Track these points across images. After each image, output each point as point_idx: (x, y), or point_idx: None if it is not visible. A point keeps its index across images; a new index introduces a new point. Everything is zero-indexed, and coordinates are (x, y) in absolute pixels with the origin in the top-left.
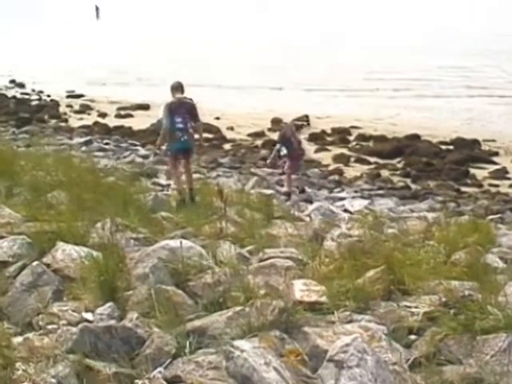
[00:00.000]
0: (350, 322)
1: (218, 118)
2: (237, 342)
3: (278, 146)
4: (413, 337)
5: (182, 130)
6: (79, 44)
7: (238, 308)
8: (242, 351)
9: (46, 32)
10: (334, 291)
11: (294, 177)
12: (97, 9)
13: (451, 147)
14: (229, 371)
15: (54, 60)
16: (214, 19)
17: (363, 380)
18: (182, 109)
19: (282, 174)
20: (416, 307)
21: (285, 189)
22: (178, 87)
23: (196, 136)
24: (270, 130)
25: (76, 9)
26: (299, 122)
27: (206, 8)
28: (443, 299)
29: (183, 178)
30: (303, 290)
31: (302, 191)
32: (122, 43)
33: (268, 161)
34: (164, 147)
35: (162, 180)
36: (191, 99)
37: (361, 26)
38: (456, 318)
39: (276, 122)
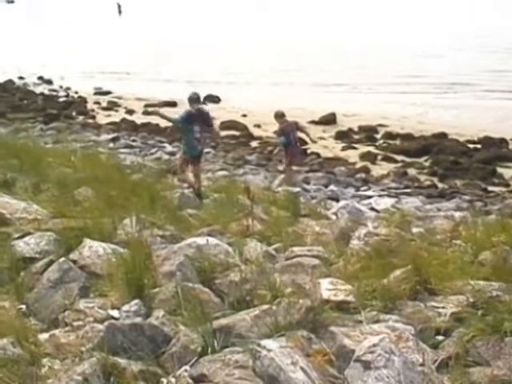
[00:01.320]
0: (377, 321)
1: (244, 116)
2: (264, 342)
3: (280, 138)
4: (440, 337)
5: (199, 139)
6: (103, 41)
7: (265, 307)
8: (269, 351)
9: (71, 29)
10: (361, 290)
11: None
12: (119, 6)
13: (479, 146)
14: (255, 371)
15: (79, 57)
16: (231, 17)
17: (390, 381)
18: (200, 119)
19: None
20: (443, 307)
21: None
22: (195, 99)
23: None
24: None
25: (98, 6)
26: (302, 124)
27: (219, 6)
28: (471, 300)
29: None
30: (330, 288)
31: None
32: (145, 39)
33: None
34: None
35: (190, 177)
36: (205, 109)
37: (381, 24)
38: (484, 319)
39: (279, 116)
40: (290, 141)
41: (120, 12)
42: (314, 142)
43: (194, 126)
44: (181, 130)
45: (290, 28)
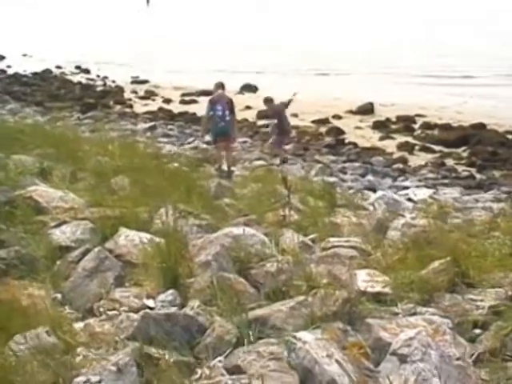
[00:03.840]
0: (414, 314)
1: None
2: (299, 334)
3: (273, 121)
4: (477, 331)
5: (221, 116)
6: (135, 31)
7: (301, 298)
8: (304, 343)
9: (102, 20)
10: (398, 282)
11: (277, 149)
12: None
13: None
14: (290, 363)
15: (114, 46)
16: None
17: (427, 375)
18: (222, 100)
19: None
20: (481, 300)
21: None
22: (220, 85)
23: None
24: (334, 117)
25: None
26: (288, 98)
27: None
28: (509, 293)
29: (223, 155)
30: (367, 280)
31: (284, 162)
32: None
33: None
34: (208, 137)
35: (226, 166)
36: (228, 95)
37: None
38: None
39: (268, 101)
40: (282, 120)
41: (148, 2)
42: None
43: (216, 105)
44: (208, 114)
45: (319, 22)
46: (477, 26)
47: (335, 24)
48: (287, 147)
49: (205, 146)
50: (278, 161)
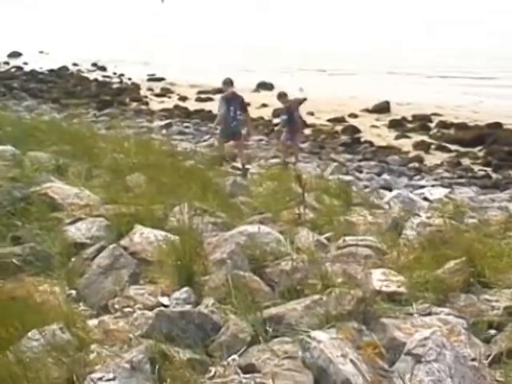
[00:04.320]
0: (429, 314)
1: None
2: (314, 333)
3: (283, 117)
4: (493, 332)
5: (233, 116)
6: (149, 29)
7: (316, 297)
8: (319, 342)
9: (117, 17)
10: (413, 282)
11: (289, 144)
12: None
13: None
14: (304, 362)
15: (130, 44)
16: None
17: (441, 375)
18: (236, 100)
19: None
20: (496, 301)
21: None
22: (229, 82)
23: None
24: (350, 115)
25: None
26: (301, 98)
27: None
28: None
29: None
30: (382, 279)
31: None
32: (190, 28)
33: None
34: (217, 131)
35: (240, 164)
36: (239, 94)
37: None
38: None
39: (282, 96)
40: (292, 118)
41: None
42: None
43: (230, 105)
44: (223, 113)
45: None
46: (490, 26)
47: (345, 23)
48: (302, 145)
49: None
50: (293, 159)
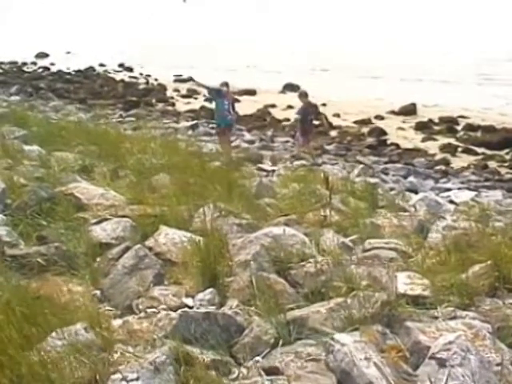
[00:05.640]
0: (454, 318)
1: (324, 105)
2: (337, 336)
3: (297, 116)
4: None
5: (228, 110)
6: (174, 29)
7: (340, 299)
8: (343, 345)
9: (142, 17)
10: (438, 285)
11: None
12: None
13: None
14: (328, 365)
15: (157, 45)
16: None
17: (465, 380)
18: (229, 96)
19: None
20: None
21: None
22: (224, 84)
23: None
24: (376, 117)
25: None
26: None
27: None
28: None
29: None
30: (407, 282)
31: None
32: (215, 28)
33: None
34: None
35: (267, 166)
36: (233, 93)
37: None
38: None
39: (303, 95)
40: (307, 119)
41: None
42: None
43: (224, 100)
44: (214, 102)
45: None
46: None
47: (370, 25)
48: (311, 144)
49: (246, 145)
50: (317, 160)
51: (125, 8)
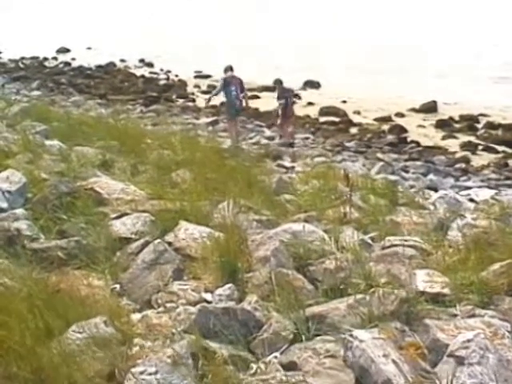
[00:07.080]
0: (473, 316)
1: (344, 102)
2: (356, 332)
3: (281, 101)
4: None
5: (236, 96)
6: (195, 26)
7: (359, 296)
8: (361, 341)
9: (162, 13)
10: (457, 283)
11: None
12: None
13: None
14: (346, 361)
15: (177, 41)
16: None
17: (484, 379)
18: (235, 81)
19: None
20: None
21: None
22: (229, 68)
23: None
24: (397, 115)
25: None
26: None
27: None
28: None
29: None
30: (426, 280)
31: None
32: (233, 25)
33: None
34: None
35: (287, 162)
36: (238, 76)
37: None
38: None
39: (277, 82)
40: (287, 103)
41: None
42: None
43: (231, 86)
44: (223, 93)
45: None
46: None
47: (392, 22)
48: (290, 130)
49: (266, 141)
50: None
51: (144, 4)
